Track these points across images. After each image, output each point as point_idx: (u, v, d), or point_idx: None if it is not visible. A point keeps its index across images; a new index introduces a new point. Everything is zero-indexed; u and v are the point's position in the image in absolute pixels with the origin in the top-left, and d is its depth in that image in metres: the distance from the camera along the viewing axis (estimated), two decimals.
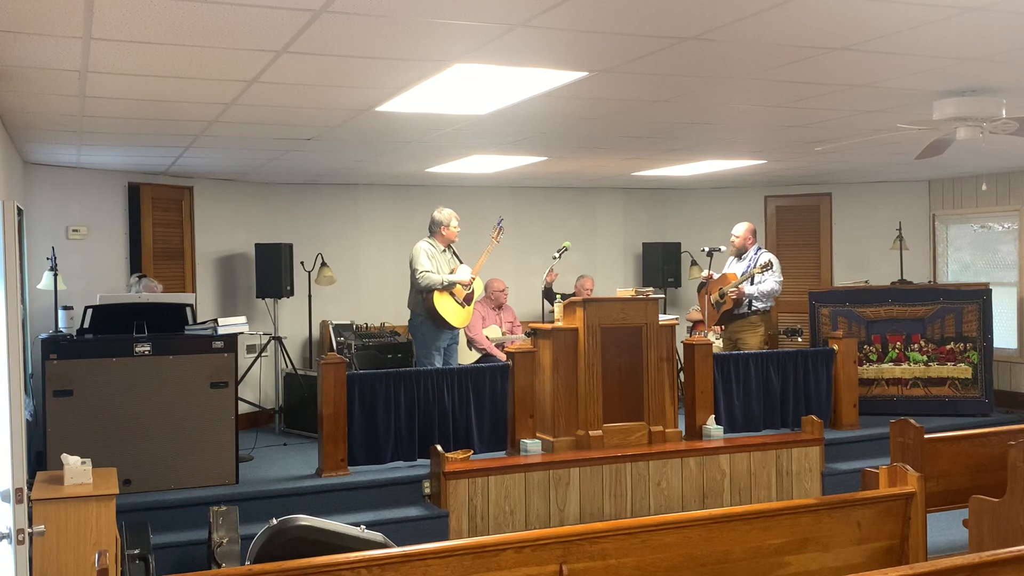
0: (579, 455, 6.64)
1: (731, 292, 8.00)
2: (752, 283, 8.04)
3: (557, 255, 8.02)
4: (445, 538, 5.99)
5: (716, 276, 8.33)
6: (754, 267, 8.02)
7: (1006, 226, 9.47)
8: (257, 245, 8.78)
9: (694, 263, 10.32)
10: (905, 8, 3.46)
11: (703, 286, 8.43)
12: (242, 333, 6.86)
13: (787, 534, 3.84)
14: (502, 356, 8.16)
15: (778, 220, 10.55)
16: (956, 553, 4.67)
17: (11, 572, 3.23)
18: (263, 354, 8.74)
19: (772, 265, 8.01)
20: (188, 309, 6.70)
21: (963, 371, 8.57)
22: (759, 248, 8.36)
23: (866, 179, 9.96)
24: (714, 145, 7.18)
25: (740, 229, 8.35)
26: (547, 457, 6.62)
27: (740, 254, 8.32)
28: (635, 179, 9.69)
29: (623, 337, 6.95)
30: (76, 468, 4.54)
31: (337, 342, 8.89)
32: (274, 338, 8.67)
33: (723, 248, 8.41)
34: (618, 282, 10.46)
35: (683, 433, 7.18)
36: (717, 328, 8.35)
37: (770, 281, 8.03)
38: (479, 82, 4.60)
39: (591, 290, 9.30)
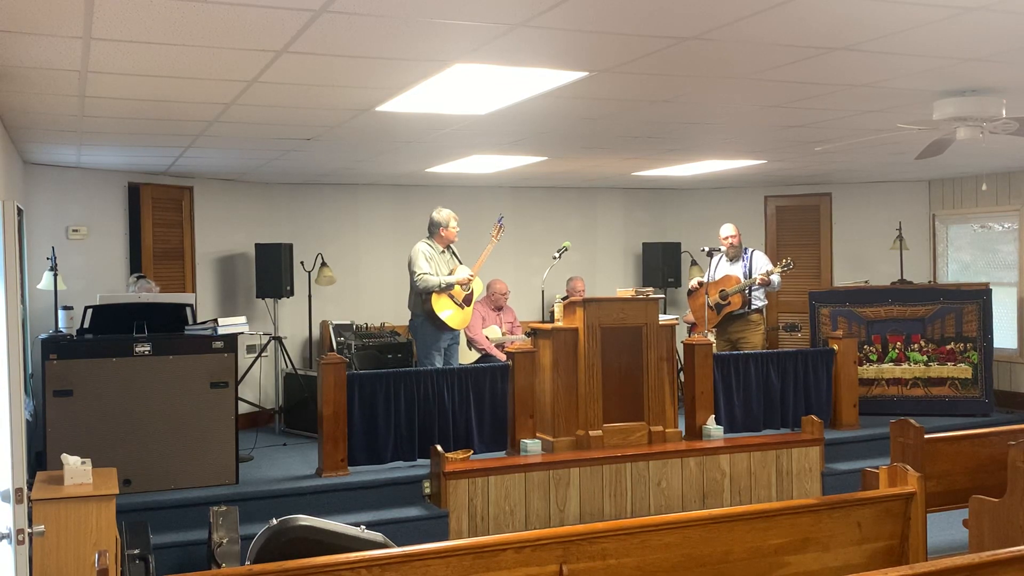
0: (579, 455, 6.64)
1: (762, 277, 8.02)
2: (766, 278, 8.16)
3: (557, 255, 8.02)
4: (445, 538, 6.00)
5: (707, 281, 8.39)
6: (775, 267, 8.15)
7: (1006, 226, 9.47)
8: (257, 245, 8.78)
9: (694, 263, 10.33)
10: (905, 8, 3.46)
11: (693, 292, 8.49)
12: (242, 333, 6.86)
13: (787, 534, 3.84)
14: (502, 356, 8.16)
15: (778, 220, 10.55)
16: (956, 553, 4.67)
17: (11, 572, 3.23)
18: (263, 354, 8.74)
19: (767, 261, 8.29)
20: (188, 309, 6.70)
21: (963, 371, 8.57)
22: (746, 247, 8.47)
23: (866, 179, 9.96)
24: (714, 145, 7.18)
25: (732, 229, 8.44)
26: (547, 457, 6.62)
27: (736, 254, 8.38)
28: (635, 179, 9.69)
29: (623, 337, 6.95)
30: (76, 468, 4.54)
31: (337, 342, 8.89)
32: (274, 338, 8.67)
33: (722, 249, 8.43)
34: (618, 282, 10.46)
35: (683, 433, 7.19)
36: (712, 329, 8.38)
37: (777, 274, 8.11)
38: (479, 82, 4.60)
39: (582, 291, 9.30)
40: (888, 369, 8.71)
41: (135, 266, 7.96)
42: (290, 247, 8.88)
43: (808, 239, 10.42)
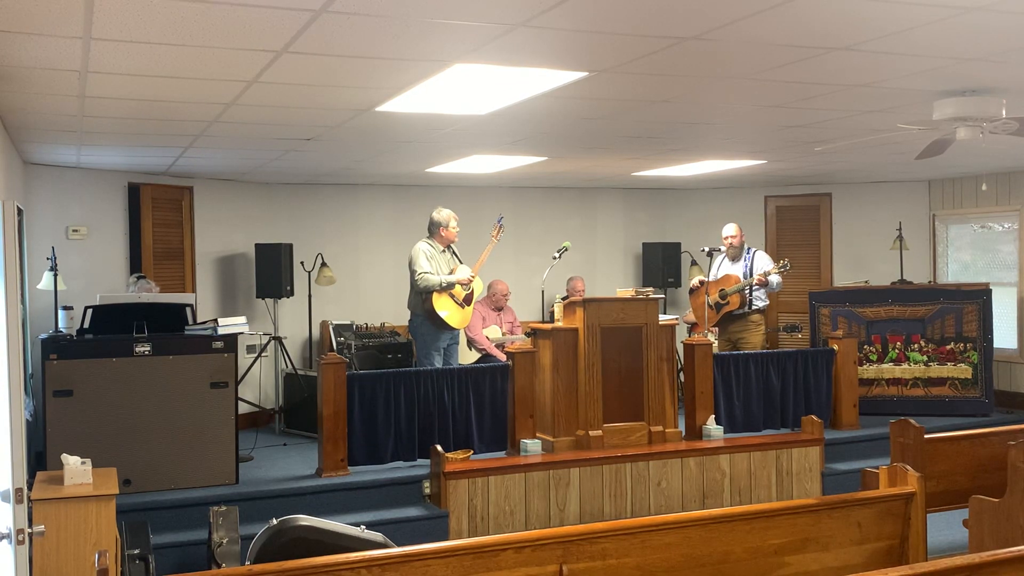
0: (579, 455, 6.64)
1: (759, 277, 8.01)
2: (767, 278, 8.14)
3: (557, 255, 8.02)
4: (445, 538, 6.00)
5: (708, 280, 8.38)
6: (772, 267, 8.11)
7: (1006, 226, 9.47)
8: (257, 245, 8.78)
9: (694, 263, 10.33)
10: (905, 8, 3.46)
11: (694, 290, 8.48)
12: (242, 333, 6.86)
13: (787, 534, 3.84)
14: (502, 356, 8.16)
15: (778, 220, 10.55)
16: (956, 553, 4.68)
17: (11, 572, 3.23)
18: (263, 354, 8.74)
19: (769, 261, 8.26)
20: (188, 309, 6.70)
21: (963, 371, 8.57)
22: (749, 248, 8.45)
23: (866, 179, 9.96)
24: (714, 145, 7.18)
25: (733, 229, 8.42)
26: (547, 457, 6.62)
27: (737, 254, 8.37)
28: (635, 179, 9.69)
29: (623, 337, 6.95)
30: (76, 468, 4.54)
31: (337, 342, 8.89)
32: (274, 338, 8.67)
33: (722, 249, 8.43)
34: (618, 282, 10.46)
35: (683, 433, 7.18)
36: (713, 328, 8.37)
37: (775, 275, 8.10)
38: (479, 82, 4.60)
39: (582, 291, 9.30)
40: (888, 369, 8.71)
41: (135, 266, 7.96)
42: (290, 247, 8.89)
43: (808, 239, 10.42)
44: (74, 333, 6.24)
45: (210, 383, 6.31)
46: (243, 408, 7.21)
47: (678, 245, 10.51)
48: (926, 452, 5.34)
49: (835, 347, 8.03)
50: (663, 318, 7.21)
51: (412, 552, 3.33)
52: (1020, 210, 9.24)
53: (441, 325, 7.43)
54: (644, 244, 10.56)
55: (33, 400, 6.42)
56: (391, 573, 3.26)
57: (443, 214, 7.62)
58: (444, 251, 7.63)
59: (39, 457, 6.01)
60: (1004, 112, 5.02)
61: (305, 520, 4.91)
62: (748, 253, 8.39)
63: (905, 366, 8.67)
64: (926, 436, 5.39)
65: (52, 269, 6.36)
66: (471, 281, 7.55)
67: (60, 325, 6.77)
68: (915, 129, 5.41)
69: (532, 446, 6.74)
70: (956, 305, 8.61)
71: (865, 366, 8.63)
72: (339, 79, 4.52)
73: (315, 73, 4.35)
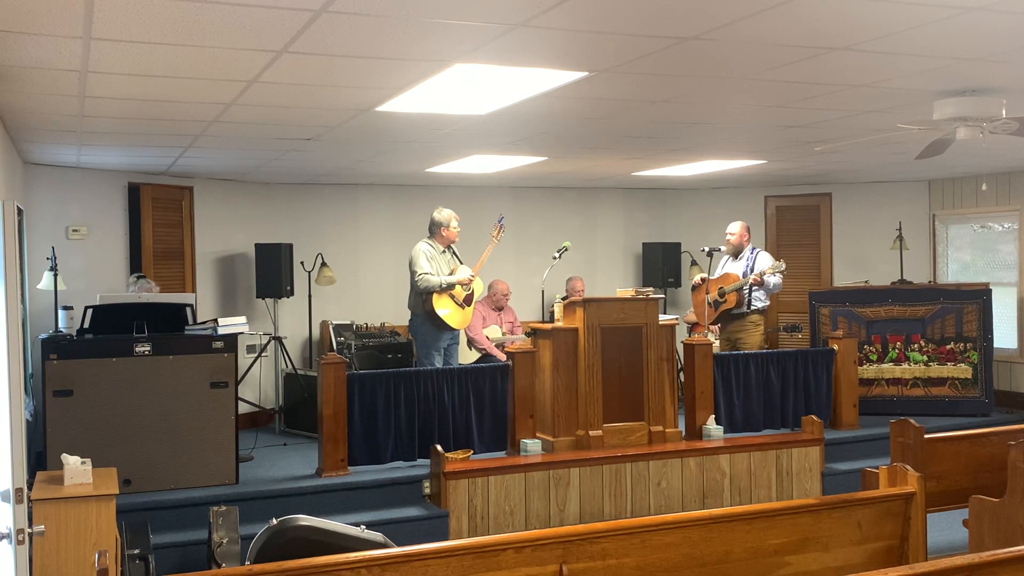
0: (579, 455, 6.64)
1: (754, 277, 7.98)
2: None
3: (557, 255, 8.02)
4: (445, 538, 6.00)
5: (710, 279, 8.37)
6: (767, 267, 8.05)
7: (1006, 226, 9.47)
8: (257, 245, 8.78)
9: (694, 263, 10.33)
10: (905, 8, 3.46)
11: (696, 287, 8.48)
12: (242, 333, 6.86)
13: (787, 534, 3.84)
14: (502, 356, 8.16)
15: (778, 220, 10.55)
16: (956, 553, 4.67)
17: (11, 572, 3.23)
18: (263, 354, 8.74)
19: (770, 262, 8.16)
20: (188, 309, 6.71)
21: (963, 371, 8.57)
22: (754, 248, 8.41)
23: (866, 179, 9.96)
24: (714, 145, 7.18)
25: (736, 227, 8.40)
26: (547, 457, 6.62)
27: (737, 253, 8.36)
28: (635, 179, 9.69)
29: (623, 337, 6.95)
30: (76, 468, 4.54)
31: (337, 342, 8.89)
32: (274, 338, 8.67)
33: (723, 248, 8.42)
34: (618, 282, 10.46)
35: (683, 433, 7.18)
36: (714, 328, 8.37)
37: (779, 275, 8.08)
38: (479, 82, 4.60)
39: (582, 291, 9.30)
40: (888, 369, 8.71)
41: (135, 266, 7.96)
42: (290, 247, 8.89)
43: (808, 239, 10.42)
44: (74, 333, 6.24)
45: (210, 383, 6.31)
46: (243, 408, 7.21)
47: (678, 245, 10.51)
48: (926, 452, 5.34)
49: (835, 347, 8.03)
50: (663, 318, 7.21)
51: (412, 552, 3.33)
52: (1020, 210, 9.23)
53: (441, 325, 7.43)
54: (644, 244, 10.56)
55: (33, 400, 6.42)
56: (391, 573, 3.26)
57: (444, 214, 7.62)
58: (444, 251, 7.63)
59: (39, 457, 6.01)
60: (1004, 112, 5.02)
61: (305, 520, 4.91)
62: (752, 253, 8.36)
63: (905, 366, 8.67)
64: (926, 436, 5.39)
65: (52, 269, 6.36)
66: (471, 281, 7.55)
67: (60, 325, 6.77)
68: (915, 129, 5.42)
69: (532, 446, 6.74)
70: (956, 305, 8.61)
71: (865, 366, 8.63)
72: (339, 79, 4.52)
73: (315, 73, 4.35)
